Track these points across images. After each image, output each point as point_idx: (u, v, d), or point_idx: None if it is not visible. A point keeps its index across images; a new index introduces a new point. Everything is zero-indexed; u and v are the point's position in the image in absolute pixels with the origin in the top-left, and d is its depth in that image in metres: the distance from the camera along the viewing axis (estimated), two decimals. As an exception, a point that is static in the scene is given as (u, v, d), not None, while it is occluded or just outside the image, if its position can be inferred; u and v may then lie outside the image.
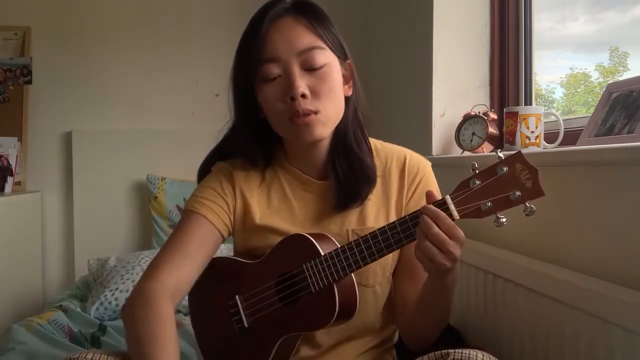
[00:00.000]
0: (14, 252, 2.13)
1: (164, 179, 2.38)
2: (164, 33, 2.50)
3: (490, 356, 0.82)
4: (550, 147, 1.36)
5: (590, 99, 1.65)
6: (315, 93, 0.89)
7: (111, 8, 2.47)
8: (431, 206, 0.79)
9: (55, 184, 2.47)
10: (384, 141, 1.06)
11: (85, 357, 0.82)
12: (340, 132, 0.95)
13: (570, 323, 0.95)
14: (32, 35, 2.41)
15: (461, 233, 0.79)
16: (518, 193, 0.76)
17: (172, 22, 2.51)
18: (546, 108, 1.55)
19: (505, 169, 0.77)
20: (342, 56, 0.95)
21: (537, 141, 1.38)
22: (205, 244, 0.95)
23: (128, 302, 0.89)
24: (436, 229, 0.77)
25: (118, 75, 2.48)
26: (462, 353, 0.80)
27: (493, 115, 1.59)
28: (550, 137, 1.41)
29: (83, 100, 2.46)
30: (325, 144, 0.96)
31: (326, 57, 0.91)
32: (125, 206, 2.46)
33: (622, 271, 0.93)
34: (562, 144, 1.35)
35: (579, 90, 1.73)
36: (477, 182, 0.78)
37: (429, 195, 0.83)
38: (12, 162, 2.21)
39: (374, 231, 0.84)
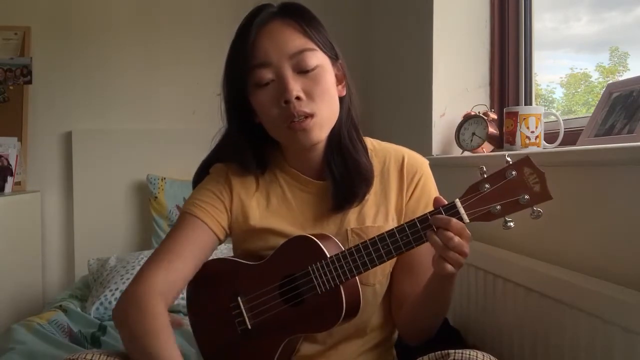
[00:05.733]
0: (14, 252, 2.13)
1: (164, 179, 2.38)
2: (164, 33, 2.50)
3: (490, 356, 0.82)
4: (550, 147, 1.36)
5: (590, 99, 1.65)
6: (309, 95, 0.89)
7: (111, 8, 2.47)
8: (442, 216, 0.80)
9: (55, 184, 2.47)
10: (384, 141, 1.06)
11: (84, 358, 0.82)
12: (334, 133, 0.95)
13: (570, 323, 0.95)
14: (32, 35, 2.41)
15: (469, 232, 0.81)
16: (527, 197, 0.77)
17: (172, 22, 2.51)
18: (546, 108, 1.55)
19: (514, 173, 0.78)
20: (333, 57, 0.95)
21: (537, 141, 1.38)
22: (200, 246, 0.95)
23: (118, 305, 0.91)
24: (457, 239, 0.78)
25: (118, 75, 2.48)
26: (462, 353, 0.81)
27: (493, 115, 1.59)
28: (550, 137, 1.41)
29: (83, 100, 2.46)
30: (321, 145, 0.96)
31: (318, 59, 0.91)
32: (125, 206, 2.46)
33: (622, 271, 0.93)
34: (562, 144, 1.35)
35: (579, 90, 1.73)
36: (487, 185, 0.79)
37: (436, 200, 0.83)
38: (12, 162, 2.21)
39: (382, 234, 0.84)
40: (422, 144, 1.78)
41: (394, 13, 2.16)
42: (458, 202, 0.80)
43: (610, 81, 1.36)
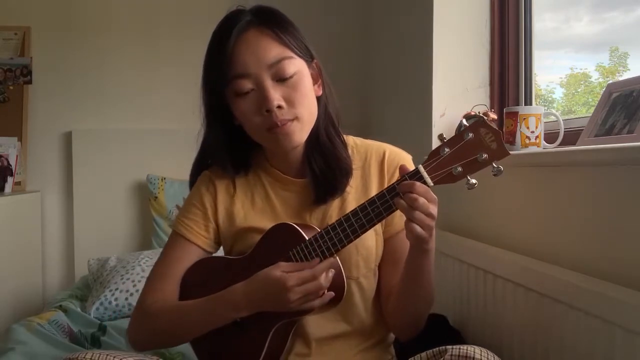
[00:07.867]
0: (14, 252, 2.13)
1: (164, 179, 2.38)
2: (164, 33, 2.50)
3: (488, 351, 0.82)
4: (550, 147, 1.35)
5: (590, 99, 1.65)
6: (290, 102, 0.92)
7: (111, 8, 2.48)
8: (406, 181, 0.83)
9: (55, 184, 2.47)
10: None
11: (84, 358, 0.83)
12: (313, 132, 0.98)
13: (570, 323, 0.95)
14: (32, 35, 2.41)
15: (434, 195, 0.84)
16: (485, 155, 0.81)
17: (172, 22, 2.51)
18: (546, 108, 1.55)
19: (470, 134, 0.82)
20: (308, 59, 0.97)
21: (537, 141, 1.38)
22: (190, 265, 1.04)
23: (131, 325, 1.03)
24: (422, 199, 0.82)
25: (118, 75, 2.48)
26: (459, 349, 0.82)
27: (493, 115, 1.59)
28: (550, 137, 1.41)
29: (83, 100, 2.46)
30: (301, 145, 0.99)
31: (295, 65, 0.93)
32: (125, 206, 2.46)
33: (622, 271, 0.93)
34: (562, 144, 1.35)
35: (579, 90, 1.73)
36: (447, 149, 0.83)
37: (402, 168, 0.86)
38: (12, 162, 2.21)
39: (355, 209, 0.87)
40: (422, 144, 1.78)
41: (394, 13, 2.16)
42: (421, 167, 0.84)
43: (610, 81, 1.36)
